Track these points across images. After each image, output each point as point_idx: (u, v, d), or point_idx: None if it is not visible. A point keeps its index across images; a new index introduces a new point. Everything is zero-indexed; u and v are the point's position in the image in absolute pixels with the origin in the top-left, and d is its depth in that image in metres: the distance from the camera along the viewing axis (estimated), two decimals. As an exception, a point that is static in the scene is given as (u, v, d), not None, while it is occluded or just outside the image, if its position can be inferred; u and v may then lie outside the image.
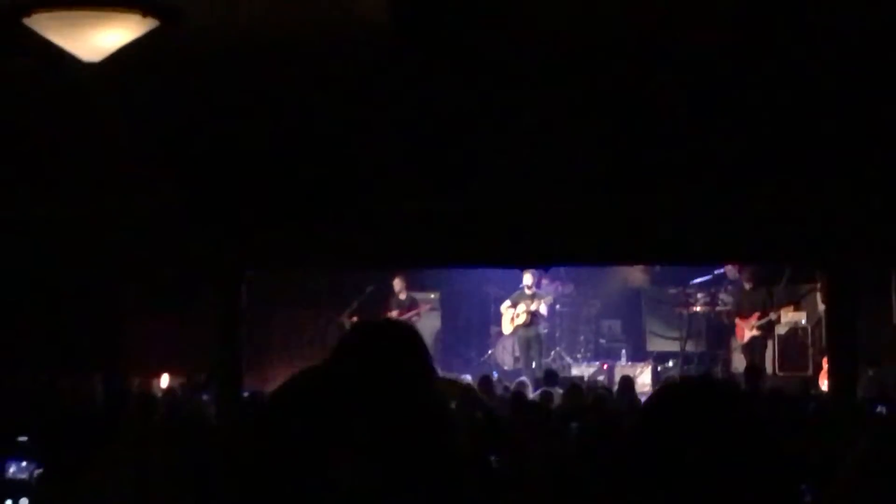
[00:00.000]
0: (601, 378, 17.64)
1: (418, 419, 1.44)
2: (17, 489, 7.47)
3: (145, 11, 7.34)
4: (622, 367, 18.05)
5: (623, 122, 11.01)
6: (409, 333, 1.64)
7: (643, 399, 10.26)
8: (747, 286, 17.26)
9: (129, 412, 9.38)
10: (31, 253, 12.39)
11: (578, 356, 19.42)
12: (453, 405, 9.21)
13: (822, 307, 15.26)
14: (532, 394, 13.48)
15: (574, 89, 10.68)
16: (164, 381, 15.20)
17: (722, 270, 18.06)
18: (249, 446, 1.42)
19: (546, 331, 18.73)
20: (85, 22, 7.28)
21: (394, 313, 17.63)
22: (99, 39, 7.34)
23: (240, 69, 9.76)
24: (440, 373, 11.89)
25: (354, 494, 1.34)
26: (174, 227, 11.90)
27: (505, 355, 19.21)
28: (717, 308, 18.27)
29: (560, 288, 19.35)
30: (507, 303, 18.42)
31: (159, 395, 13.48)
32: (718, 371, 17.24)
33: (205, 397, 12.12)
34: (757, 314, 16.86)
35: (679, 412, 1.93)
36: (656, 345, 19.17)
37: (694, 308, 18.42)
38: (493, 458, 7.77)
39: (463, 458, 1.50)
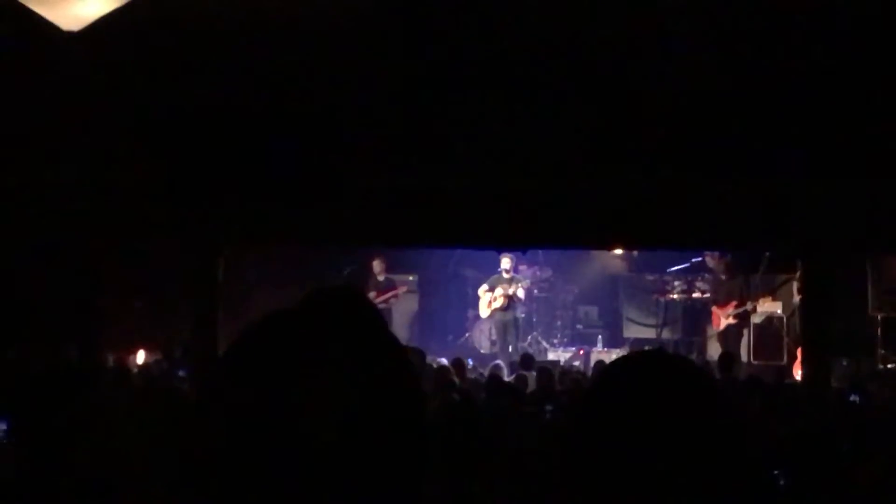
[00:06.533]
0: (577, 363, 17.65)
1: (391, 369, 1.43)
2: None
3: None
4: (598, 353, 18.04)
5: (605, 106, 11.03)
6: (368, 301, 1.62)
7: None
8: (724, 276, 17.29)
9: (103, 384, 9.35)
10: (6, 226, 12.33)
11: (555, 341, 19.44)
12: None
13: (797, 298, 15.31)
14: (507, 377, 13.48)
15: (556, 73, 10.69)
16: (140, 357, 15.16)
17: (699, 259, 18.08)
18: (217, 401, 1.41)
19: (523, 315, 18.74)
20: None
21: (372, 294, 17.62)
22: (79, 8, 7.32)
23: (218, 43, 9.73)
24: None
25: (322, 439, 1.33)
26: (152, 202, 11.86)
27: (482, 339, 19.20)
28: (694, 296, 18.32)
29: (538, 273, 19.35)
30: (485, 286, 18.40)
31: (134, 370, 13.43)
32: (694, 358, 17.26)
33: (181, 373, 12.08)
34: (734, 303, 16.90)
35: (629, 379, 1.89)
36: (633, 331, 19.20)
37: (671, 295, 18.47)
38: (466, 438, 7.76)
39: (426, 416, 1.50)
